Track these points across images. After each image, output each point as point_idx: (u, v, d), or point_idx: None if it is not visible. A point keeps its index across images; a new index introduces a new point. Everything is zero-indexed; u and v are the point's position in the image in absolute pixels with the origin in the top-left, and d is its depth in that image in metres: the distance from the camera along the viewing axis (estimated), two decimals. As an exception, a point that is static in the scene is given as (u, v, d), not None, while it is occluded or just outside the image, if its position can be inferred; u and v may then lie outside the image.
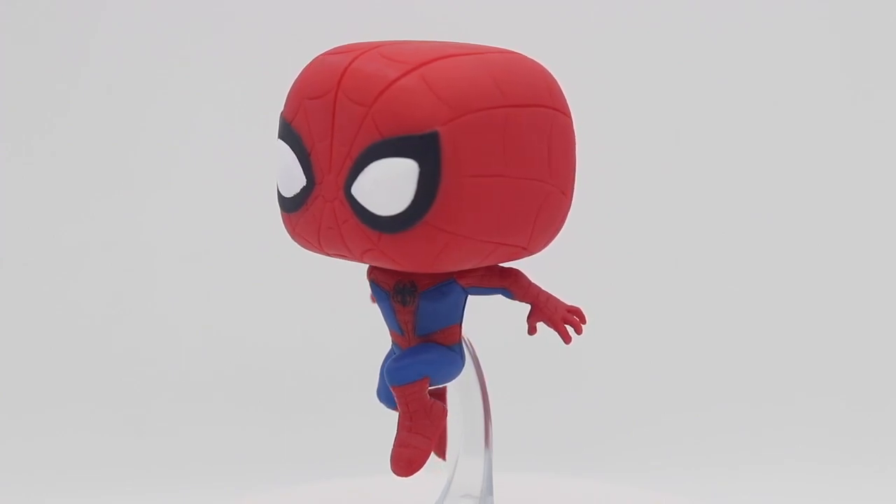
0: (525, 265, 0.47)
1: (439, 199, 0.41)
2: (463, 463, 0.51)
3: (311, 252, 0.46)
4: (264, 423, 0.94)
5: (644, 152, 1.00)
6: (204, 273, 0.99)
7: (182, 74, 1.01)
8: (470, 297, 0.46)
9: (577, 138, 0.45)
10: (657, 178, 0.99)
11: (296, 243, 0.46)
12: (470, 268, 0.44)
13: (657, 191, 0.99)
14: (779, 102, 1.00)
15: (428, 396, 0.45)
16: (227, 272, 0.99)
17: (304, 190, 0.43)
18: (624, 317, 0.95)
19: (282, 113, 0.44)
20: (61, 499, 0.87)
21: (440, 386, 0.47)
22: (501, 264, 0.46)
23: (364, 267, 0.46)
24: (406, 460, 0.45)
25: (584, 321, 0.48)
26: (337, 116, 0.42)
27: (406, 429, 0.45)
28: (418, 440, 0.45)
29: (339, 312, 0.93)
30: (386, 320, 0.46)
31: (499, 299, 0.47)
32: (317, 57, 0.44)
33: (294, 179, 0.43)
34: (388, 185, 0.41)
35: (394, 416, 0.46)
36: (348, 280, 0.56)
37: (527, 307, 0.48)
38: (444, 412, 0.46)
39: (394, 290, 0.45)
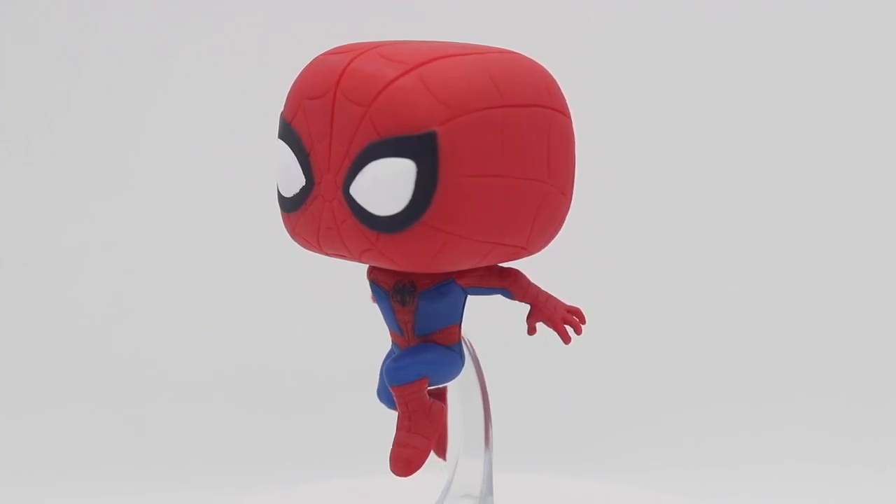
0: (525, 265, 0.47)
1: (437, 199, 0.41)
2: (463, 463, 0.51)
3: (310, 252, 0.46)
4: (264, 423, 0.94)
5: (644, 152, 1.00)
6: (204, 273, 0.99)
7: (182, 74, 1.01)
8: (470, 297, 0.46)
9: (576, 138, 0.45)
10: (657, 178, 0.99)
11: (296, 243, 0.46)
12: (468, 268, 0.44)
13: (657, 191, 0.99)
14: (779, 102, 1.00)
15: (427, 396, 0.45)
16: (227, 272, 0.99)
17: (303, 190, 0.43)
18: (624, 317, 0.95)
19: (282, 113, 0.44)
20: (61, 499, 0.87)
21: (440, 386, 0.47)
22: (501, 264, 0.46)
23: (364, 267, 0.46)
24: (405, 460, 0.45)
25: (583, 321, 0.48)
26: (336, 116, 0.42)
27: (405, 429, 0.45)
28: (417, 440, 0.45)
29: (339, 312, 0.93)
30: (386, 320, 0.46)
31: (498, 299, 0.47)
32: (316, 57, 0.45)
33: (293, 179, 0.43)
34: (386, 185, 0.41)
35: (394, 416, 0.46)
36: (348, 280, 0.56)
37: (526, 307, 0.48)
38: (443, 412, 0.46)
39: (393, 290, 0.45)
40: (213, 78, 1.01)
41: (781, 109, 1.00)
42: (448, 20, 0.96)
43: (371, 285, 0.46)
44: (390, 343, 0.47)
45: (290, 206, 0.44)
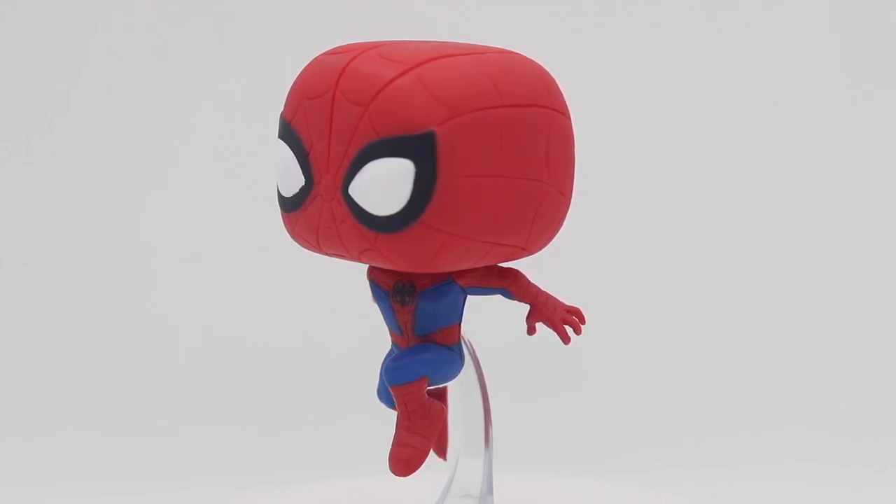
0: (524, 265, 0.47)
1: (436, 198, 0.41)
2: (463, 463, 0.51)
3: (310, 252, 0.46)
4: (264, 423, 0.94)
5: (644, 152, 1.00)
6: (204, 273, 0.99)
7: (182, 74, 1.01)
8: (469, 297, 0.46)
9: (576, 138, 0.45)
10: (657, 178, 0.99)
11: (295, 243, 0.46)
12: (468, 268, 0.44)
13: (657, 191, 0.99)
14: (779, 102, 1.00)
15: (426, 396, 0.45)
16: (227, 272, 0.99)
17: (302, 190, 0.43)
18: (624, 317, 0.95)
19: (281, 113, 0.44)
20: (61, 499, 0.87)
21: (440, 386, 0.47)
22: (500, 264, 0.46)
23: (364, 267, 0.46)
24: (404, 460, 0.45)
25: (583, 321, 0.48)
26: (335, 116, 0.42)
27: (404, 428, 0.45)
28: (416, 440, 0.45)
29: (339, 312, 0.93)
30: (385, 320, 0.46)
31: (498, 299, 0.47)
32: (316, 57, 0.45)
33: (293, 179, 0.43)
34: (384, 185, 0.41)
35: (394, 415, 0.46)
36: (348, 280, 0.56)
37: (526, 307, 0.48)
38: (442, 412, 0.46)
39: (393, 290, 0.45)
40: (213, 78, 1.01)
41: (781, 109, 1.00)
42: (448, 20, 0.96)
43: (371, 285, 0.46)
44: (390, 343, 0.47)
45: (290, 206, 0.44)
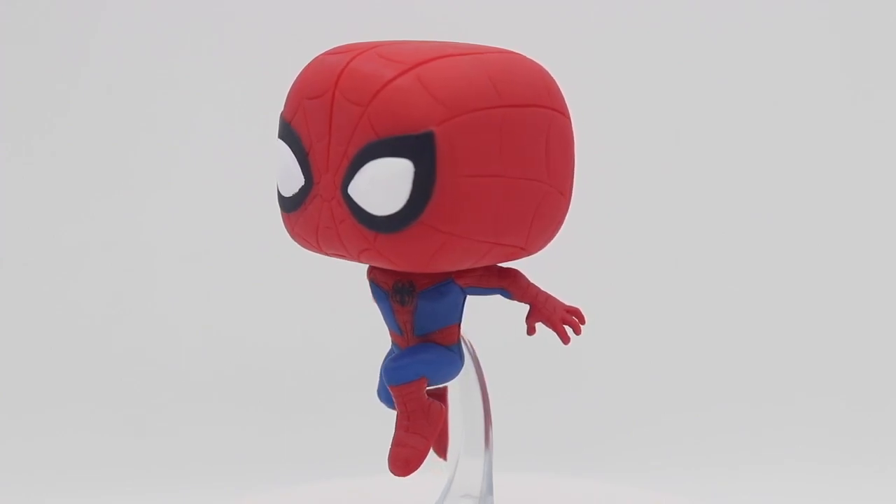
0: (524, 265, 0.47)
1: (435, 198, 0.41)
2: (463, 463, 0.51)
3: (310, 252, 0.46)
4: (264, 423, 0.94)
5: (644, 152, 1.00)
6: (204, 273, 0.99)
7: (182, 74, 1.01)
8: (469, 297, 0.46)
9: (576, 138, 0.45)
10: (657, 178, 0.99)
11: (295, 243, 0.46)
12: (467, 268, 0.44)
13: (657, 191, 0.99)
14: (779, 102, 1.00)
15: (426, 396, 0.45)
16: (227, 272, 0.99)
17: (302, 190, 0.43)
18: (624, 317, 0.95)
19: (281, 113, 0.44)
20: (61, 499, 0.87)
21: (440, 386, 0.47)
22: (500, 264, 0.46)
23: (363, 267, 0.46)
24: (403, 460, 0.45)
25: (582, 321, 0.48)
26: (334, 116, 0.42)
27: (404, 428, 0.45)
28: (416, 440, 0.45)
29: (339, 312, 0.93)
30: (385, 320, 0.46)
31: (498, 299, 0.47)
32: (316, 57, 0.45)
33: (293, 179, 0.43)
34: (383, 185, 0.41)
35: (393, 415, 0.46)
36: (348, 280, 0.56)
37: (526, 307, 0.48)
38: (442, 412, 0.46)
39: (392, 290, 0.45)
40: (213, 78, 1.01)
41: (781, 109, 1.00)
42: (448, 20, 0.96)
43: (370, 285, 0.46)
44: (390, 343, 0.47)
45: (290, 205, 0.44)
